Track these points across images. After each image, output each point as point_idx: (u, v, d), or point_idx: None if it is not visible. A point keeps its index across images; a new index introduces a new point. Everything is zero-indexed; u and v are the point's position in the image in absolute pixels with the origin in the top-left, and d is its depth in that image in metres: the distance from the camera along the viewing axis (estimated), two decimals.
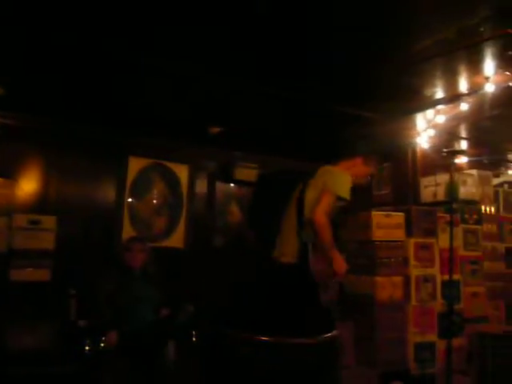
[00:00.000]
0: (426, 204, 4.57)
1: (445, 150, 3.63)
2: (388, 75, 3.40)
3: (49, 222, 4.10)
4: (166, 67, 3.33)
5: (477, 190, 4.66)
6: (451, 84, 3.59)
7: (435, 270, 4.12)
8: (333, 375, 2.94)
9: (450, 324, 3.52)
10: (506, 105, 3.72)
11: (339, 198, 2.98)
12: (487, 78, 3.33)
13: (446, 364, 3.38)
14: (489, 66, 3.21)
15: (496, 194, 4.87)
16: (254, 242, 3.94)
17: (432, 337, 4.01)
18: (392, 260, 3.97)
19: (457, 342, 3.87)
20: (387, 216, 4.08)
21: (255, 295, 3.08)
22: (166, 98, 3.90)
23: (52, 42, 2.97)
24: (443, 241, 4.10)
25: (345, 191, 2.99)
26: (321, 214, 2.83)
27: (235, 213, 5.11)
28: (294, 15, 2.69)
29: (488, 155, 5.10)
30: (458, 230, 4.30)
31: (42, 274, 4.03)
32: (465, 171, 4.80)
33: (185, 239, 4.79)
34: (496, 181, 5.10)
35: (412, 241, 4.08)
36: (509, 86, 3.34)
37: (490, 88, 3.38)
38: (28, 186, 4.18)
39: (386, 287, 3.90)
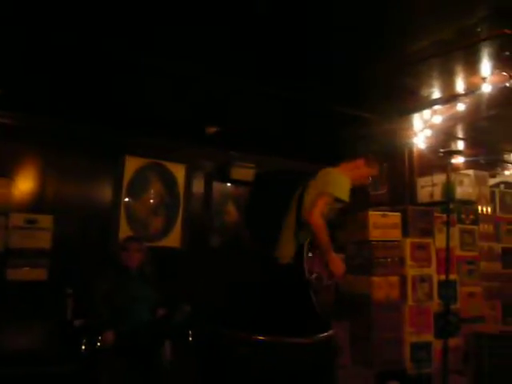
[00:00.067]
0: (422, 204, 4.57)
1: (441, 150, 3.64)
2: (385, 75, 3.41)
3: (45, 221, 4.09)
4: (165, 67, 3.33)
5: (473, 191, 4.68)
6: (448, 84, 3.60)
7: (432, 270, 4.13)
8: (329, 375, 2.95)
9: (446, 324, 3.53)
10: (502, 105, 3.73)
11: (337, 200, 2.98)
12: (484, 79, 3.34)
13: (443, 364, 3.38)
14: (485, 66, 3.22)
15: (492, 194, 4.89)
16: (251, 242, 3.94)
17: (428, 337, 4.01)
18: (388, 260, 3.98)
19: (453, 341, 3.88)
20: (384, 216, 4.09)
21: (252, 295, 3.08)
22: (163, 98, 3.89)
23: (49, 42, 2.97)
24: (440, 241, 4.11)
25: (343, 193, 2.99)
26: (317, 216, 2.84)
27: (232, 212, 5.11)
28: (292, 15, 2.69)
29: (484, 155, 5.11)
30: (455, 230, 4.31)
31: (39, 274, 4.02)
32: (461, 171, 4.82)
33: (181, 239, 4.79)
34: (492, 181, 5.11)
35: (408, 241, 4.09)
36: (505, 87, 3.35)
37: (486, 88, 3.39)
38: (25, 185, 4.17)
39: (383, 287, 3.90)
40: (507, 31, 2.67)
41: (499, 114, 3.92)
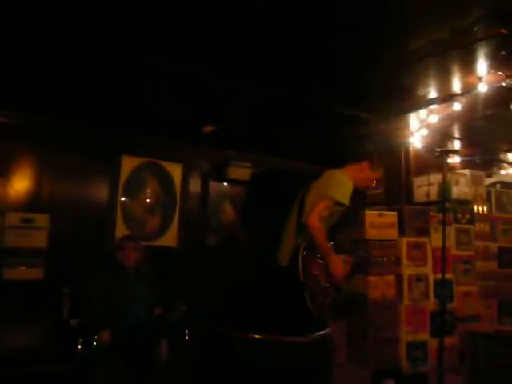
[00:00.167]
0: (418, 204, 4.59)
1: (438, 149, 3.64)
2: (382, 75, 3.42)
3: (41, 220, 4.08)
4: (163, 67, 3.33)
5: (469, 190, 4.69)
6: (444, 84, 3.61)
7: (428, 269, 4.14)
8: (325, 373, 2.96)
9: (442, 323, 3.54)
10: (498, 105, 3.74)
11: (338, 204, 2.99)
12: (480, 78, 3.35)
13: (438, 363, 3.40)
14: (482, 66, 3.23)
15: (488, 193, 4.90)
16: (248, 242, 3.94)
17: (424, 336, 4.03)
18: (385, 259, 3.99)
19: (449, 340, 3.89)
20: (380, 215, 4.10)
21: (248, 294, 3.09)
22: (159, 97, 3.89)
23: (47, 41, 2.96)
24: (436, 240, 4.12)
25: (343, 197, 2.99)
26: (315, 218, 2.85)
27: (229, 212, 5.11)
28: (292, 16, 2.69)
29: (481, 155, 5.13)
30: (451, 230, 4.32)
31: (35, 273, 4.01)
32: (457, 171, 4.83)
33: (178, 238, 4.78)
34: (488, 181, 5.13)
35: (405, 240, 4.10)
36: (501, 86, 3.36)
37: (482, 88, 3.40)
38: (21, 184, 4.16)
39: (379, 286, 3.91)
40: (503, 31, 2.68)
41: (495, 114, 3.93)
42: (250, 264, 3.36)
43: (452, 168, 4.80)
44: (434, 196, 4.52)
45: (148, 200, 4.74)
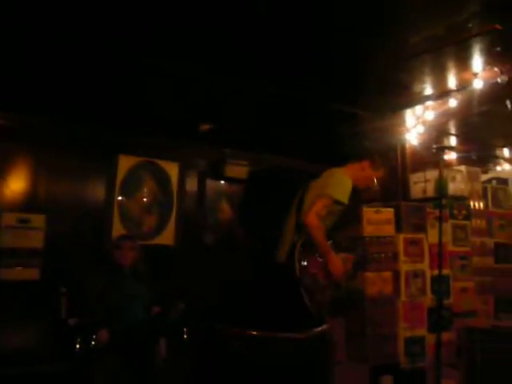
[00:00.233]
0: (415, 200, 4.60)
1: (434, 146, 3.65)
2: (379, 72, 3.42)
3: (38, 220, 4.07)
4: (159, 66, 3.32)
5: (465, 186, 4.71)
6: (440, 80, 3.62)
7: (425, 266, 4.16)
8: (324, 369, 2.96)
9: (439, 318, 3.55)
10: (494, 101, 3.75)
11: (336, 202, 3.00)
12: (475, 74, 3.36)
13: (436, 358, 3.41)
14: (477, 62, 3.23)
15: (484, 189, 4.92)
16: (245, 240, 3.95)
17: (422, 331, 4.04)
18: (382, 255, 4.00)
19: (446, 336, 3.91)
20: (377, 212, 4.11)
21: (245, 292, 3.09)
22: (156, 97, 3.88)
23: (42, 41, 2.95)
24: (432, 236, 4.13)
25: (342, 195, 3.00)
26: (312, 216, 2.86)
27: (226, 210, 5.11)
28: (290, 14, 2.69)
29: (477, 151, 5.14)
30: (447, 226, 4.34)
31: (32, 273, 4.00)
32: (454, 167, 4.84)
33: (175, 237, 4.78)
34: (484, 177, 5.14)
35: (401, 236, 4.12)
36: (497, 82, 3.37)
37: (478, 84, 3.40)
38: (17, 184, 4.14)
39: (376, 282, 3.92)
40: (498, 27, 2.68)
41: (491, 110, 3.94)
42: (248, 262, 3.37)
43: (448, 164, 4.81)
44: (430, 192, 4.53)
45: (145, 199, 4.73)
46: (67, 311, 3.86)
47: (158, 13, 2.67)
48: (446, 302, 4.00)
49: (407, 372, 3.89)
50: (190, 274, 4.43)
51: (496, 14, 2.65)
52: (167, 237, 4.75)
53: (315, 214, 2.85)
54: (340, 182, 3.06)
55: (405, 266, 4.07)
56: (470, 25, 2.74)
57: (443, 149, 3.65)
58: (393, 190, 4.78)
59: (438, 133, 4.60)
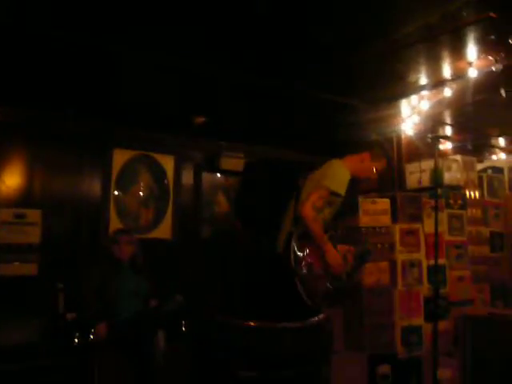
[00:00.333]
0: (411, 190, 4.60)
1: (429, 135, 3.65)
2: (373, 62, 3.41)
3: (34, 215, 4.07)
4: (152, 59, 3.31)
5: (461, 176, 4.71)
6: (435, 70, 3.61)
7: (421, 255, 4.17)
8: (321, 358, 2.99)
9: (435, 308, 3.57)
10: (489, 90, 3.74)
11: (333, 194, 3.00)
12: (470, 63, 3.35)
13: (433, 347, 3.43)
14: (471, 51, 3.22)
15: (480, 179, 4.93)
16: (242, 232, 3.95)
17: (419, 320, 4.06)
18: (378, 246, 4.01)
19: (443, 325, 3.93)
20: (373, 203, 4.11)
21: (243, 283, 3.11)
22: (150, 89, 3.86)
23: (32, 35, 2.93)
24: (428, 226, 4.14)
25: (338, 186, 3.01)
26: (308, 208, 2.87)
27: (222, 203, 5.11)
28: (285, 7, 2.67)
29: (472, 141, 5.15)
30: (443, 215, 4.34)
31: (29, 268, 4.00)
32: (449, 157, 4.85)
33: (172, 230, 4.78)
34: (480, 166, 5.15)
35: (398, 227, 4.12)
36: (491, 71, 3.36)
37: (472, 73, 3.40)
38: (12, 180, 4.13)
39: (373, 273, 3.94)
40: (492, 15, 2.67)
41: (486, 99, 3.94)
42: (245, 254, 3.38)
43: (444, 154, 4.82)
44: (426, 182, 4.54)
45: (141, 193, 4.73)
46: (65, 306, 3.87)
47: (148, 6, 2.66)
48: (442, 291, 4.02)
49: (404, 361, 3.91)
50: (187, 266, 4.44)
51: (489, 2, 2.64)
52: (164, 230, 4.76)
53: (311, 206, 2.86)
54: (337, 174, 3.07)
55: (401, 256, 4.08)
56: (464, 13, 2.73)
57: (438, 138, 3.65)
58: (389, 181, 4.79)
59: (433, 123, 4.60)
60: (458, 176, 4.69)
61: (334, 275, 2.98)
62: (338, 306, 3.92)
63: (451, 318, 4.16)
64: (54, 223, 4.17)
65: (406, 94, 4.09)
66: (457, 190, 4.64)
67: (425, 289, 4.13)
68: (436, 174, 3.85)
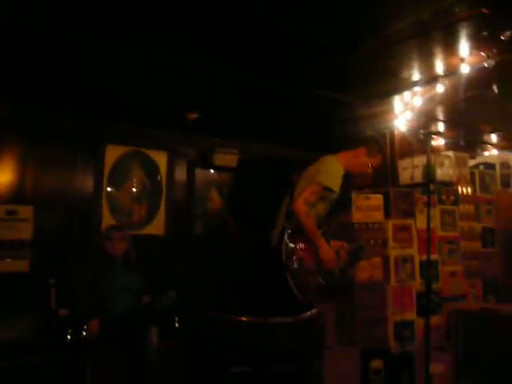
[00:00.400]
0: (404, 186, 4.62)
1: (422, 131, 3.67)
2: (366, 58, 3.41)
3: (25, 212, 4.05)
4: (145, 55, 3.29)
5: (453, 172, 4.73)
6: (427, 66, 3.61)
7: (413, 251, 4.19)
8: (313, 353, 3.00)
9: (428, 303, 3.59)
10: (481, 86, 3.76)
11: (326, 189, 3.01)
12: (462, 59, 3.36)
13: (425, 341, 3.45)
14: (464, 47, 3.23)
15: (472, 175, 4.95)
16: (235, 228, 3.95)
17: (411, 315, 4.08)
18: (371, 242, 4.02)
19: (435, 320, 3.96)
20: (367, 198, 4.12)
21: (236, 279, 3.11)
22: (142, 85, 3.84)
23: (21, 30, 2.90)
24: (421, 222, 4.16)
25: (332, 182, 3.02)
26: (301, 203, 2.88)
27: (215, 199, 5.10)
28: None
29: (464, 137, 5.17)
30: (436, 211, 4.36)
31: (21, 265, 3.98)
32: (442, 153, 4.87)
33: (165, 226, 4.77)
34: (472, 162, 5.17)
35: (390, 222, 4.13)
36: (484, 67, 3.37)
37: (465, 69, 3.41)
38: (4, 176, 4.10)
39: (367, 268, 3.95)
40: (484, 11, 2.68)
41: (478, 95, 3.95)
42: (238, 250, 3.38)
43: (437, 150, 4.84)
44: (418, 178, 4.55)
45: (134, 189, 4.71)
46: (57, 302, 3.86)
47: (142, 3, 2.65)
48: (434, 286, 4.04)
49: (397, 356, 3.94)
50: (180, 263, 4.44)
51: None
52: (157, 226, 4.75)
53: (304, 201, 2.88)
54: (330, 169, 3.08)
55: (394, 252, 4.10)
56: (457, 9, 2.74)
57: (431, 134, 3.66)
58: (382, 177, 4.80)
59: (426, 119, 4.61)
60: (451, 172, 4.72)
61: (326, 270, 2.99)
62: (331, 301, 3.93)
63: (443, 313, 4.18)
64: (45, 219, 4.15)
65: (398, 90, 4.10)
66: (449, 185, 4.66)
67: (417, 284, 4.15)
68: (428, 170, 3.86)
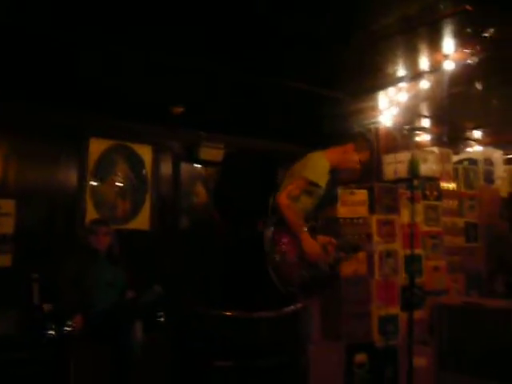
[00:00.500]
0: (388, 181, 4.64)
1: (406, 127, 3.69)
2: (352, 53, 3.42)
3: (7, 206, 4.01)
4: (129, 49, 3.26)
5: (437, 167, 4.76)
6: (412, 62, 3.64)
7: (397, 246, 4.21)
8: (298, 347, 3.01)
9: (411, 297, 3.62)
10: (465, 83, 3.79)
11: (312, 184, 3.02)
12: (446, 56, 3.39)
13: (408, 335, 3.49)
14: (448, 43, 3.26)
15: (456, 170, 5.00)
16: (220, 222, 3.94)
17: (395, 310, 4.12)
18: (356, 237, 4.05)
19: (418, 314, 3.99)
20: (351, 193, 4.14)
21: (220, 274, 3.11)
22: (128, 78, 3.81)
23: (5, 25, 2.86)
24: (405, 217, 4.19)
25: (318, 177, 3.04)
26: (283, 196, 2.90)
27: (201, 193, 5.09)
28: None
29: (448, 133, 5.22)
30: (419, 206, 4.39)
31: (3, 260, 3.94)
32: (426, 149, 4.90)
33: (150, 221, 4.75)
34: (456, 158, 5.22)
35: (374, 217, 4.16)
36: (468, 64, 3.41)
37: (449, 66, 3.44)
38: None
39: (351, 263, 3.97)
40: (468, 8, 2.70)
41: (462, 92, 3.99)
42: (223, 244, 3.37)
43: (420, 146, 4.87)
44: (402, 173, 4.57)
45: (118, 183, 4.67)
46: (40, 297, 3.82)
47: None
48: (418, 280, 4.08)
49: (381, 350, 3.97)
50: (166, 257, 4.42)
51: None
52: (142, 221, 4.72)
53: (287, 195, 2.90)
54: (316, 165, 3.09)
55: (378, 247, 4.13)
56: (442, 5, 2.76)
57: (415, 130, 3.69)
58: (366, 172, 4.82)
59: (410, 115, 4.64)
60: (434, 167, 4.75)
61: (310, 263, 3.00)
62: (318, 297, 3.95)
63: (426, 307, 4.22)
64: (28, 214, 4.10)
65: (384, 85, 4.13)
66: (433, 181, 4.70)
67: (401, 278, 4.18)
68: (412, 166, 3.89)
